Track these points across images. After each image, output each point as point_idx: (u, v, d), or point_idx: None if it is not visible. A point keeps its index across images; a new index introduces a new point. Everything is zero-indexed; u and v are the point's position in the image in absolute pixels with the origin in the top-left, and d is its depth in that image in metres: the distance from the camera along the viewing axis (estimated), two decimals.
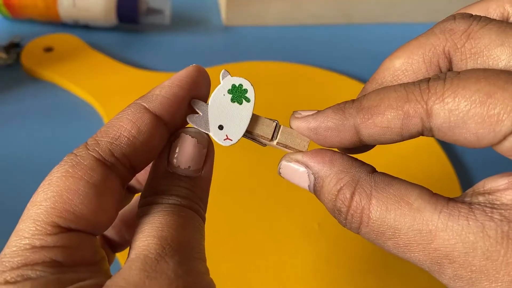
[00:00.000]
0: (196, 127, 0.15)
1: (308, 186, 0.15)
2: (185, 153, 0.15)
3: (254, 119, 0.15)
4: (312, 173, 0.15)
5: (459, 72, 0.13)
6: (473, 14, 0.14)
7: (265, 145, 0.16)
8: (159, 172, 0.15)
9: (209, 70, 0.45)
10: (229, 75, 0.15)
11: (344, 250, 0.28)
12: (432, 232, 0.12)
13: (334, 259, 0.27)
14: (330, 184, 0.14)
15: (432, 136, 0.14)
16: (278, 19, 0.50)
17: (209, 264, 0.27)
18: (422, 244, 0.13)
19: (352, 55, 0.45)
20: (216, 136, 0.15)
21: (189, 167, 0.15)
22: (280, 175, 0.16)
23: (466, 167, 0.35)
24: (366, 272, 0.27)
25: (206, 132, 0.15)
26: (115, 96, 0.37)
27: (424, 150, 0.34)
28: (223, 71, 0.15)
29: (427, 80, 0.13)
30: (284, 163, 0.15)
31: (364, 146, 0.16)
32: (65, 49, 0.42)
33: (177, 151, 0.15)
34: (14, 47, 0.43)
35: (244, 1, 0.48)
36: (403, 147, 0.34)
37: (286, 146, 0.15)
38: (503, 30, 0.13)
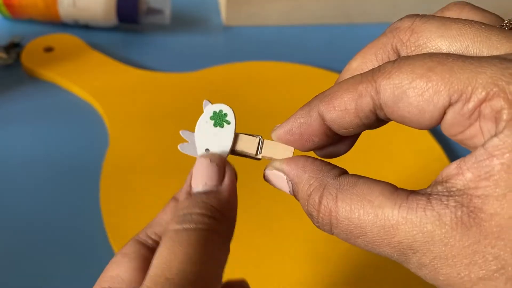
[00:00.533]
0: (186, 153, 0.17)
1: (289, 191, 0.17)
2: (199, 171, 0.16)
3: (238, 137, 0.17)
4: (290, 179, 0.16)
5: (409, 56, 0.14)
6: (419, 14, 0.16)
7: (259, 159, 0.17)
8: (182, 198, 0.16)
9: (210, 70, 0.46)
10: (210, 104, 0.17)
11: (344, 250, 0.28)
12: (394, 226, 0.13)
13: (334, 260, 0.27)
14: (303, 189, 0.15)
15: (384, 116, 0.14)
16: (278, 19, 0.50)
17: None
18: (386, 238, 0.13)
19: (352, 56, 0.45)
20: (200, 155, 0.17)
21: (205, 183, 0.16)
22: (265, 177, 0.17)
23: None
24: (366, 273, 0.27)
25: (195, 156, 0.17)
26: (115, 96, 0.37)
27: (426, 153, 0.34)
28: (204, 101, 0.17)
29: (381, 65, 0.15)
30: (266, 171, 0.17)
31: (341, 145, 0.18)
32: (65, 49, 0.42)
33: (193, 173, 0.16)
34: (14, 47, 0.43)
35: (244, 1, 0.48)
36: (404, 151, 0.34)
37: (271, 159, 0.16)
38: (443, 23, 0.15)
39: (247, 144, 0.17)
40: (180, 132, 0.17)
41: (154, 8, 0.45)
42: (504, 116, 0.12)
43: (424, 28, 0.15)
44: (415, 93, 0.13)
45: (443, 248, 0.12)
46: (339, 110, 0.15)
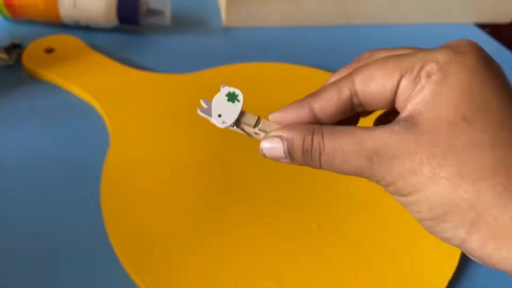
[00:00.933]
0: (203, 115, 0.22)
1: (284, 151, 0.21)
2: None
3: (242, 113, 0.22)
4: (285, 139, 0.20)
5: (372, 61, 0.20)
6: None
7: (251, 135, 0.22)
8: None
9: (210, 71, 0.46)
10: (227, 86, 0.22)
11: (343, 250, 0.28)
12: (363, 140, 0.19)
13: (334, 259, 0.27)
14: (298, 139, 0.20)
15: (358, 101, 0.20)
16: (278, 21, 0.50)
17: (208, 263, 0.27)
18: (358, 151, 0.19)
19: (352, 56, 0.45)
20: (216, 120, 0.22)
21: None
22: (262, 153, 0.21)
23: None
24: (365, 272, 0.27)
25: (209, 118, 0.22)
26: (115, 97, 0.37)
27: None
28: (222, 84, 0.23)
29: None
30: (262, 143, 0.21)
31: None
32: (66, 50, 0.42)
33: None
34: (15, 48, 0.43)
35: (244, 3, 0.48)
36: None
37: (264, 131, 0.21)
38: (391, 50, 0.21)
39: (249, 119, 0.22)
40: (201, 100, 0.22)
41: (155, 9, 0.45)
42: (434, 71, 0.18)
43: (378, 52, 0.22)
44: (380, 75, 0.19)
45: (397, 149, 0.18)
46: (325, 100, 0.20)
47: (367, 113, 0.23)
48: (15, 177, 0.32)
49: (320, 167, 0.20)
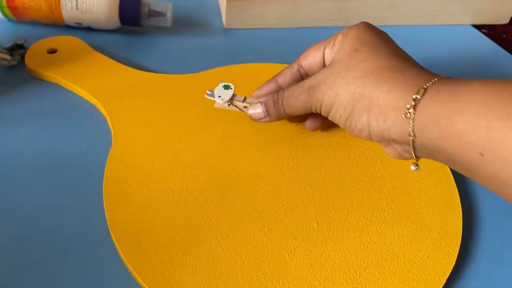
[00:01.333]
0: (209, 97, 0.34)
1: (263, 111, 0.32)
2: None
3: (234, 96, 0.34)
4: (263, 102, 0.32)
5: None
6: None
7: (242, 110, 0.34)
8: None
9: (211, 72, 0.46)
10: (223, 82, 0.34)
11: (342, 248, 0.28)
12: (304, 83, 0.29)
13: (332, 257, 0.28)
14: (270, 99, 0.32)
15: (304, 70, 0.32)
16: (278, 22, 0.51)
17: (208, 262, 0.28)
18: (301, 90, 0.29)
19: None
20: (218, 99, 0.34)
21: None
22: (250, 118, 0.33)
23: None
24: (363, 270, 0.27)
25: (213, 98, 0.34)
26: (118, 97, 0.38)
27: None
28: (220, 81, 0.35)
29: None
30: (249, 110, 0.33)
31: (317, 121, 0.35)
32: (68, 50, 0.42)
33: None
34: (18, 49, 0.44)
35: (244, 4, 0.49)
36: None
37: (250, 103, 0.33)
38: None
39: (239, 97, 0.34)
40: (207, 90, 0.34)
41: (156, 11, 0.46)
42: (340, 37, 0.29)
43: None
44: (312, 51, 0.31)
45: (320, 79, 0.28)
46: (283, 74, 0.33)
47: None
48: (18, 176, 0.32)
49: (284, 111, 0.31)
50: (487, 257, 0.29)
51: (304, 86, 0.29)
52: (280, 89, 0.32)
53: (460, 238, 0.29)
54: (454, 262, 0.28)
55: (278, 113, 0.31)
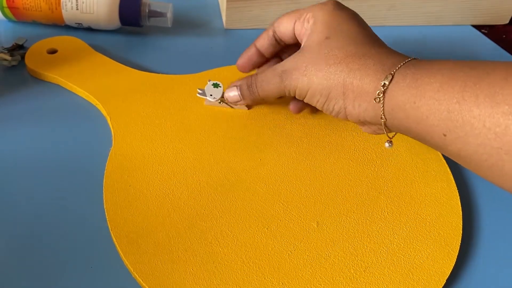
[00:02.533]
0: (200, 96, 0.37)
1: (238, 94, 0.34)
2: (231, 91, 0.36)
3: (223, 93, 0.36)
4: (238, 86, 0.34)
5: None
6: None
7: (232, 106, 0.37)
8: None
9: (211, 72, 0.46)
10: (211, 80, 0.37)
11: (342, 248, 0.28)
12: (276, 67, 0.31)
13: (332, 257, 0.28)
14: (244, 82, 0.34)
15: (278, 37, 0.34)
16: None
17: (208, 262, 0.28)
18: (273, 74, 0.31)
19: None
20: (209, 97, 0.36)
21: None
22: (228, 100, 0.35)
23: (461, 165, 0.35)
24: (363, 270, 0.27)
25: (205, 96, 0.37)
26: (118, 97, 0.38)
27: (420, 148, 0.35)
28: (208, 80, 0.37)
29: None
30: (226, 93, 0.35)
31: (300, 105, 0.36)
32: (68, 51, 0.42)
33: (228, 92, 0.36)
34: (18, 49, 0.44)
35: (244, 5, 0.49)
36: (402, 152, 0.35)
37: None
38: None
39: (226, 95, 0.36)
40: (198, 89, 0.37)
41: (156, 11, 0.46)
42: (310, 18, 0.31)
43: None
44: (285, 21, 0.33)
45: (292, 65, 0.30)
46: (261, 39, 0.35)
47: (288, 46, 0.35)
48: (18, 176, 0.32)
49: (258, 94, 0.33)
50: (487, 257, 0.29)
51: (277, 70, 0.31)
52: (259, 53, 0.35)
53: (460, 238, 0.29)
54: (454, 262, 0.28)
55: (252, 96, 0.33)
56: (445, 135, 0.24)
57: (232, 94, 0.34)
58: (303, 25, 0.31)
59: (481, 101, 0.22)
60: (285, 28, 0.33)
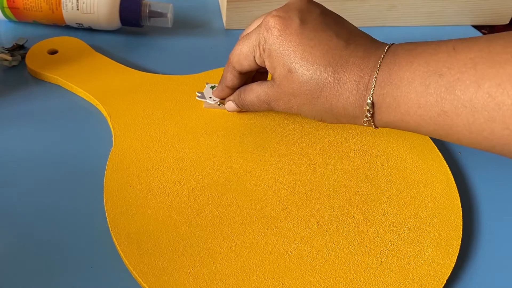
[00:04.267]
0: (200, 98, 0.37)
1: (235, 105, 0.36)
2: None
3: None
4: (233, 100, 0.36)
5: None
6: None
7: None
8: None
9: (211, 72, 0.46)
10: (210, 83, 0.38)
11: (342, 248, 0.28)
12: (259, 95, 0.34)
13: (332, 258, 0.28)
14: (235, 96, 0.36)
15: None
16: None
17: (208, 262, 0.28)
18: (259, 102, 0.34)
19: None
20: (209, 100, 0.37)
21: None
22: (229, 111, 0.37)
23: (461, 166, 0.35)
24: (363, 271, 0.27)
25: (204, 99, 0.37)
26: (118, 98, 0.38)
27: (421, 152, 0.35)
28: (206, 82, 0.39)
29: None
30: (226, 106, 0.37)
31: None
32: (69, 51, 0.43)
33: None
34: (18, 49, 0.44)
35: (244, 5, 0.49)
36: (401, 150, 0.35)
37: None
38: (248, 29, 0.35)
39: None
40: (197, 92, 0.38)
41: (157, 11, 0.46)
42: (265, 48, 0.31)
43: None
44: (243, 60, 0.33)
45: (275, 96, 0.32)
46: (244, 66, 0.33)
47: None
48: (18, 177, 0.32)
49: (253, 110, 0.36)
50: (487, 258, 0.29)
51: (261, 99, 0.33)
52: (235, 88, 0.36)
53: (460, 238, 0.29)
54: (454, 263, 0.28)
55: (247, 110, 0.36)
56: (420, 125, 0.28)
57: (230, 106, 0.36)
58: (261, 58, 0.32)
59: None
60: (248, 65, 0.33)
